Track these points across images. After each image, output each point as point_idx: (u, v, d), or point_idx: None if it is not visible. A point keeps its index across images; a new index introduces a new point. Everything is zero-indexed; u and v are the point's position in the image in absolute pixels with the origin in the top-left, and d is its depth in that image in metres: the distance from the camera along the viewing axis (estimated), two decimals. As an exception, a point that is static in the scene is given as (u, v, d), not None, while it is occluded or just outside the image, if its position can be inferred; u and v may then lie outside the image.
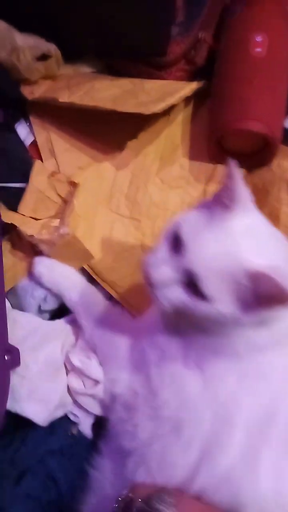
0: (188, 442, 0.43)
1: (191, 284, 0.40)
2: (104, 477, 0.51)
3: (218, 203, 0.41)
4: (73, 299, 0.56)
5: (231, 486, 0.41)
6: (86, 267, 0.60)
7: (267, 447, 0.41)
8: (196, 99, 0.69)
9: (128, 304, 0.61)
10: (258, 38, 0.63)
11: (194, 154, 0.67)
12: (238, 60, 0.63)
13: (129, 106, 0.60)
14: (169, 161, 0.66)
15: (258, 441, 0.42)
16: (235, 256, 0.39)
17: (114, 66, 0.71)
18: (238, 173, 0.40)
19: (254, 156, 0.63)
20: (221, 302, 0.39)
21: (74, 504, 0.51)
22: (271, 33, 0.64)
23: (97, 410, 0.55)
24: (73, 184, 0.61)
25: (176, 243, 0.42)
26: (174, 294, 0.41)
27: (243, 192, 0.41)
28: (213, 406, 0.43)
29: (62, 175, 0.63)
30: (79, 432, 0.56)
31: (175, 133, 0.67)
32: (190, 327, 0.45)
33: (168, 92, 0.63)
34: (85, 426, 0.56)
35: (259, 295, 0.38)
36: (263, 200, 0.62)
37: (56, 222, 0.58)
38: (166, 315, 0.46)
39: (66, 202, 0.61)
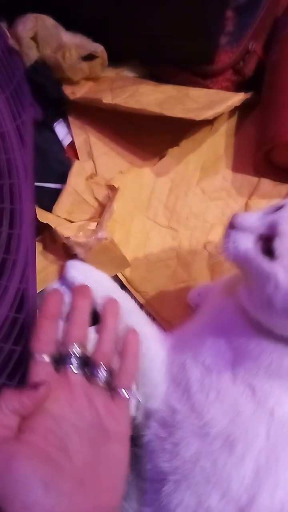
0: (242, 457, 0.40)
1: (267, 240, 0.39)
2: (130, 506, 0.47)
3: None
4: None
5: None
6: (119, 274, 0.57)
7: None
8: (240, 110, 0.67)
9: (159, 316, 0.58)
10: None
11: (238, 166, 0.64)
12: (289, 71, 0.61)
13: (176, 111, 0.58)
14: (211, 171, 0.64)
15: None
16: None
17: (157, 73, 0.69)
18: None
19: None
20: (284, 265, 0.37)
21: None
22: None
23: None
24: (111, 188, 0.59)
25: None
26: (245, 241, 0.40)
27: None
28: (269, 423, 0.40)
29: (101, 178, 0.60)
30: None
31: (218, 143, 0.65)
32: (247, 321, 0.43)
33: (216, 100, 0.61)
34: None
35: None
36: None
37: (93, 225, 0.55)
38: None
39: (102, 206, 0.59)
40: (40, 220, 0.54)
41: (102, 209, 0.58)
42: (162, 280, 0.59)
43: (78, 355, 0.41)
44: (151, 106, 0.58)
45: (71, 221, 0.57)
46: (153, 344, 0.51)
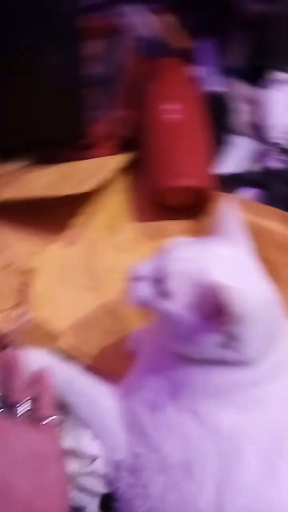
0: (201, 479, 0.43)
1: (160, 282, 0.44)
2: None
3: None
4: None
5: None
6: (58, 345, 0.61)
7: (283, 462, 0.42)
8: (131, 170, 0.74)
9: (107, 371, 0.61)
10: (171, 106, 0.72)
11: (140, 217, 0.71)
12: (156, 127, 0.70)
13: (66, 189, 0.65)
14: (117, 227, 0.70)
15: (272, 459, 0.42)
16: (202, 266, 0.43)
17: (44, 157, 0.76)
18: (233, 204, 0.46)
19: (198, 207, 0.68)
20: (179, 302, 0.43)
21: None
22: (182, 98, 0.72)
23: (100, 488, 0.53)
24: (29, 271, 0.64)
25: None
26: (142, 289, 0.45)
27: (234, 225, 0.46)
28: (217, 440, 0.43)
29: (16, 265, 0.65)
30: (87, 518, 0.54)
31: (116, 201, 0.72)
32: (173, 356, 0.47)
33: (98, 168, 0.68)
34: (92, 508, 0.54)
35: (208, 304, 0.41)
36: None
37: (17, 311, 0.59)
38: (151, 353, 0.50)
39: (23, 290, 0.63)
40: None
41: (23, 293, 0.62)
42: (99, 338, 0.62)
43: None
44: (42, 191, 0.65)
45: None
46: (105, 400, 0.54)
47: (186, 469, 0.44)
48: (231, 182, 0.71)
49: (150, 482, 0.46)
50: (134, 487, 0.48)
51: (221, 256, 0.45)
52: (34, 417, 0.46)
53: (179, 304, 0.43)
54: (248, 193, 0.71)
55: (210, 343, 0.43)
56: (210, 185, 0.67)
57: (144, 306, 0.46)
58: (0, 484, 0.39)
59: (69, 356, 0.61)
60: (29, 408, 0.46)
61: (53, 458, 0.44)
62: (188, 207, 0.69)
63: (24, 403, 0.46)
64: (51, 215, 0.70)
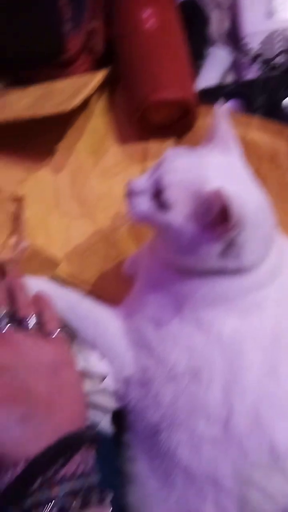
0: (208, 382, 0.45)
1: (158, 195, 0.44)
2: (141, 466, 0.51)
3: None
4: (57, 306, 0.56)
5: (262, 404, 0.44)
6: (56, 274, 0.60)
7: (282, 359, 0.44)
8: (108, 85, 0.70)
9: (106, 296, 0.61)
10: (146, 13, 0.66)
11: (123, 139, 0.68)
12: (134, 38, 0.65)
13: (47, 109, 0.60)
14: (101, 152, 0.67)
15: (273, 357, 0.44)
16: (200, 175, 0.42)
17: (21, 78, 0.71)
18: (223, 114, 0.45)
19: (179, 123, 0.66)
20: (179, 212, 0.43)
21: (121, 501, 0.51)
22: (157, 5, 0.67)
23: (111, 404, 0.55)
24: (17, 200, 0.61)
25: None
26: (142, 203, 0.45)
27: (226, 134, 0.45)
28: (220, 346, 0.45)
29: (4, 194, 0.62)
30: (100, 432, 0.56)
31: (98, 123, 0.69)
32: (173, 270, 0.48)
33: (80, 86, 0.64)
34: (105, 424, 0.56)
35: (210, 213, 0.41)
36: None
37: (13, 240, 0.57)
38: (151, 266, 0.50)
39: (16, 218, 0.61)
40: None
41: (16, 222, 0.60)
42: (97, 265, 0.62)
43: (5, 315, 0.46)
44: (22, 112, 0.60)
45: (-8, 244, 0.59)
46: (108, 322, 0.55)
47: (194, 375, 0.46)
48: (210, 95, 0.68)
49: (160, 391, 0.48)
50: (145, 398, 0.50)
51: (217, 164, 0.44)
52: (41, 331, 0.48)
53: (179, 215, 0.43)
54: (228, 105, 0.69)
55: (211, 253, 0.43)
56: (194, 97, 0.64)
57: (144, 220, 0.46)
58: (21, 388, 0.40)
59: (68, 283, 0.60)
60: (35, 323, 0.48)
61: (65, 364, 0.46)
62: (171, 124, 0.66)
63: (30, 317, 0.48)
64: (33, 142, 0.66)
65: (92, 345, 0.56)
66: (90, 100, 0.67)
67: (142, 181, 0.46)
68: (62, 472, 0.36)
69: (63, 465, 0.36)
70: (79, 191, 0.65)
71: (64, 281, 0.60)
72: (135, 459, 0.51)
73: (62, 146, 0.66)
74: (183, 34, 0.66)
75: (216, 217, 0.40)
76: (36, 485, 0.35)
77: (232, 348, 0.45)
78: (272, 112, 0.64)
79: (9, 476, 0.35)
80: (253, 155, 0.62)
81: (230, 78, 0.75)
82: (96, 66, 0.70)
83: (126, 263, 0.63)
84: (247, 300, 0.46)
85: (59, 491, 0.35)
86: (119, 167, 0.67)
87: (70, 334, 0.55)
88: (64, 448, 0.37)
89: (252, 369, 0.44)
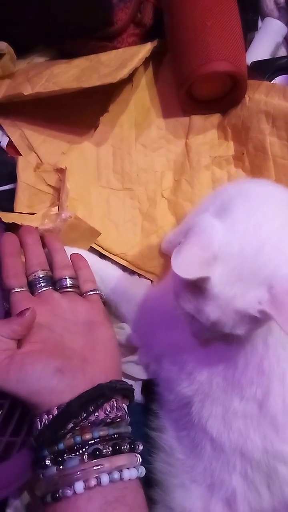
0: (246, 366, 0.45)
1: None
2: (168, 435, 0.52)
3: None
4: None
5: None
6: (95, 246, 0.61)
7: None
8: (154, 59, 0.69)
9: (144, 270, 0.62)
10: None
11: (167, 112, 0.67)
12: (184, 7, 0.63)
13: (94, 81, 0.60)
14: (144, 125, 0.67)
15: None
16: (239, 308, 0.37)
17: (66, 50, 0.71)
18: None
19: (226, 98, 0.64)
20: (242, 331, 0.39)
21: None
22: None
23: (142, 375, 0.56)
24: (60, 171, 0.62)
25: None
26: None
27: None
28: (267, 335, 0.44)
29: (47, 165, 0.63)
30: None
31: (142, 97, 0.68)
32: None
33: (127, 58, 0.63)
34: (135, 393, 0.57)
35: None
36: (246, 137, 0.63)
37: (55, 210, 0.59)
38: None
39: (57, 190, 0.62)
40: (6, 221, 0.57)
41: (58, 193, 0.61)
42: (135, 238, 0.63)
43: (43, 277, 0.49)
44: (69, 83, 0.61)
45: (33, 213, 0.60)
46: (143, 299, 0.56)
47: (230, 358, 0.46)
48: (261, 68, 0.66)
49: (196, 371, 0.49)
50: (178, 373, 0.50)
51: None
52: (78, 291, 0.51)
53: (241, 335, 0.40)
54: (280, 80, 0.66)
55: None
56: (245, 70, 0.61)
57: None
58: (57, 343, 0.43)
59: (106, 255, 0.61)
60: (72, 284, 0.50)
61: (100, 323, 0.48)
62: (217, 98, 0.64)
63: (67, 279, 0.50)
64: (77, 114, 0.66)
65: (126, 319, 0.57)
66: (135, 73, 0.67)
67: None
68: (93, 418, 0.38)
69: (94, 412, 0.38)
70: (121, 164, 0.65)
71: (102, 253, 0.62)
72: (163, 429, 0.53)
73: (105, 118, 0.66)
74: (235, 3, 0.63)
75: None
76: (68, 428, 0.37)
77: (279, 336, 0.44)
78: None
79: (44, 421, 0.37)
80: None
81: (283, 52, 0.72)
82: (144, 39, 0.69)
83: (164, 241, 0.63)
84: None
85: (91, 436, 0.36)
86: (162, 142, 0.67)
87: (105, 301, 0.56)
88: (96, 396, 0.38)
89: None
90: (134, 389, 0.44)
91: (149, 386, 0.57)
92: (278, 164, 0.61)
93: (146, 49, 0.63)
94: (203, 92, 0.64)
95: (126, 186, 0.64)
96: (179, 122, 0.67)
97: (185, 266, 0.35)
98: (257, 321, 0.38)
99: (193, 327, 0.42)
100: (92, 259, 0.58)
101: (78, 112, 0.66)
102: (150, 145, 0.66)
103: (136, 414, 0.56)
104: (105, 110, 0.66)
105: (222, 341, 0.42)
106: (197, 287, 0.38)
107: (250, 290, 0.36)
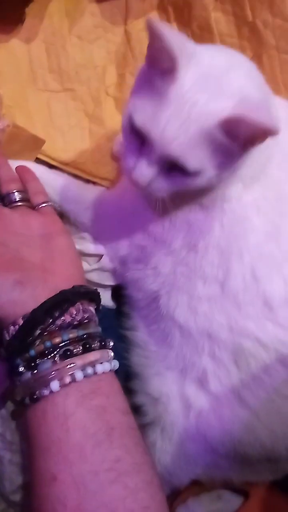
0: (205, 249, 0.46)
1: (175, 166, 0.38)
2: (140, 332, 0.54)
3: (155, 72, 0.37)
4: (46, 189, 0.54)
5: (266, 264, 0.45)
6: (41, 156, 0.57)
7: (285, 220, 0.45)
8: None
9: (98, 177, 0.60)
10: None
11: (101, -5, 0.60)
12: None
13: None
14: (77, 13, 0.60)
15: (275, 220, 0.45)
16: (200, 115, 0.36)
17: None
18: (162, 27, 0.35)
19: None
20: (209, 168, 0.38)
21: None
22: None
23: (109, 281, 0.57)
24: (-10, 76, 0.56)
25: (140, 137, 0.39)
26: (164, 183, 0.40)
27: (178, 42, 0.36)
28: (220, 216, 0.45)
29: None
30: (102, 306, 0.59)
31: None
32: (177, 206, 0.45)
33: None
34: (105, 299, 0.58)
35: (241, 140, 0.36)
36: (189, 16, 0.58)
37: (-8, 120, 0.54)
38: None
39: (-9, 97, 0.56)
40: None
41: (-8, 101, 0.56)
42: (83, 143, 0.59)
43: None
44: None
45: None
46: (101, 204, 0.55)
47: (191, 246, 0.47)
48: None
49: (160, 264, 0.49)
50: (143, 270, 0.51)
51: (202, 80, 0.37)
52: (29, 205, 0.49)
53: (208, 171, 0.38)
54: None
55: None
56: None
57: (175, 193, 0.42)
58: (13, 257, 0.42)
59: (54, 165, 0.58)
60: (21, 197, 0.48)
61: (56, 233, 0.47)
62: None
63: (14, 193, 0.48)
64: (-2, 6, 0.58)
65: (85, 229, 0.56)
66: None
67: (143, 168, 0.39)
68: (60, 322, 0.38)
69: (60, 316, 0.38)
70: (56, 61, 0.59)
71: (49, 163, 0.58)
72: (135, 327, 0.55)
73: (32, 10, 0.58)
74: None
75: (246, 140, 0.36)
76: (36, 335, 0.37)
77: (235, 215, 0.45)
78: None
79: (11, 332, 0.37)
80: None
81: None
82: None
83: (115, 143, 0.60)
84: (250, 170, 0.44)
85: (60, 340, 0.37)
86: (98, 31, 0.60)
87: (61, 214, 0.55)
88: (60, 301, 0.38)
89: (253, 232, 0.45)
90: (98, 292, 0.44)
91: (118, 291, 0.58)
92: (226, 43, 0.57)
93: None
94: None
95: (66, 87, 0.59)
96: (115, 5, 0.60)
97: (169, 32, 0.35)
98: (208, 153, 0.37)
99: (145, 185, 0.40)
100: (40, 170, 0.55)
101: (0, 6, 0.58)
102: (86, 36, 0.60)
103: (109, 319, 0.58)
104: (30, 1, 0.59)
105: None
106: (157, 92, 0.37)
107: (214, 101, 0.36)
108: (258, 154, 0.41)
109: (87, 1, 0.60)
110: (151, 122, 0.38)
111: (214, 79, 0.37)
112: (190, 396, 0.48)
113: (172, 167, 0.39)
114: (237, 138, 0.36)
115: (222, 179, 0.41)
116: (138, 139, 0.40)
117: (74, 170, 0.59)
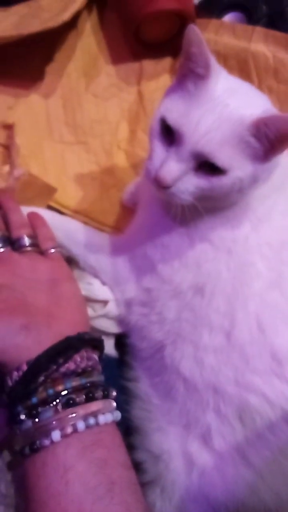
0: (211, 295, 0.46)
1: (203, 165, 0.40)
2: (143, 383, 0.53)
3: (188, 77, 0.41)
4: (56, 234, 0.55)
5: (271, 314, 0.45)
6: (53, 204, 0.59)
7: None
8: (97, 2, 0.65)
9: (106, 225, 0.61)
10: None
11: (116, 58, 0.64)
12: None
13: (34, 27, 0.56)
14: (94, 73, 0.64)
15: (279, 267, 0.45)
16: (231, 117, 0.39)
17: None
18: (201, 35, 0.40)
19: (175, 39, 0.62)
20: (238, 166, 0.40)
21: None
22: None
23: (114, 328, 0.56)
24: (8, 127, 0.59)
25: (169, 136, 0.42)
26: (191, 183, 0.41)
27: (210, 55, 0.41)
28: (227, 258, 0.46)
29: (-7, 121, 0.60)
30: (105, 355, 0.58)
31: (89, 43, 0.65)
32: (198, 216, 0.46)
33: (68, 1, 0.59)
34: (108, 348, 0.58)
35: (272, 139, 0.39)
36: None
37: (6, 168, 0.56)
38: (172, 210, 0.46)
39: (7, 147, 0.59)
40: None
41: (8, 151, 0.58)
42: (94, 193, 0.61)
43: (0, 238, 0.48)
44: (8, 32, 0.56)
45: (-16, 174, 0.57)
46: (109, 249, 0.55)
47: (198, 289, 0.47)
48: (209, 7, 0.63)
49: (165, 308, 0.49)
50: (149, 317, 0.51)
51: (232, 92, 0.41)
52: (38, 250, 0.50)
53: (237, 169, 0.40)
54: (229, 17, 0.64)
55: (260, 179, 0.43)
56: (192, 9, 0.59)
57: (200, 196, 0.42)
58: (19, 302, 0.42)
59: (65, 212, 0.60)
60: (31, 242, 0.49)
61: (63, 279, 0.47)
62: (167, 40, 0.62)
63: (25, 238, 0.49)
64: (21, 65, 0.62)
65: (93, 272, 0.56)
66: (79, 18, 0.63)
67: (171, 164, 0.40)
68: (63, 370, 0.37)
69: (64, 363, 0.37)
70: (72, 116, 0.62)
71: (60, 210, 0.60)
72: (138, 378, 0.53)
73: (51, 68, 0.63)
74: None
75: (277, 138, 0.39)
76: (39, 382, 0.36)
77: (240, 259, 0.46)
78: (275, 22, 0.60)
79: (14, 377, 0.37)
80: (258, 68, 0.60)
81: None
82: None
83: (125, 193, 0.62)
84: (259, 210, 0.46)
85: (63, 387, 0.36)
86: (113, 90, 0.64)
87: (69, 259, 0.55)
88: (64, 348, 0.38)
89: (257, 279, 0.45)
90: (103, 340, 0.44)
91: (122, 340, 0.57)
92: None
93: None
94: (151, 34, 0.61)
95: (80, 139, 0.62)
96: (130, 68, 0.64)
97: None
98: (237, 152, 0.40)
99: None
100: (51, 216, 0.57)
101: (22, 63, 0.62)
102: (102, 94, 0.64)
103: (111, 368, 0.57)
104: (50, 59, 0.63)
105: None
106: (189, 95, 0.41)
107: (243, 108, 0.40)
108: (267, 191, 0.44)
109: (104, 63, 0.64)
110: (185, 119, 0.40)
111: (241, 94, 0.42)
112: (193, 453, 0.46)
113: (199, 167, 0.41)
114: (267, 138, 0.39)
115: (244, 188, 0.42)
116: (166, 140, 0.42)
117: (84, 218, 0.60)
